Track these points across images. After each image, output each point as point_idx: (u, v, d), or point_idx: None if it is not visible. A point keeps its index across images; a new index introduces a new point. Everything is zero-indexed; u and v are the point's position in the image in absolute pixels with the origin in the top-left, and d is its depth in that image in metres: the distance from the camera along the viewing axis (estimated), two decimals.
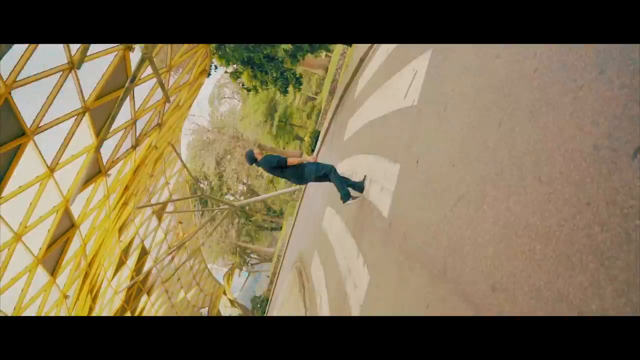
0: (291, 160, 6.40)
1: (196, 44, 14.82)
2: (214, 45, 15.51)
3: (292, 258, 18.63)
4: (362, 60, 12.40)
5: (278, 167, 6.38)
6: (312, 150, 23.18)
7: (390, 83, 6.68)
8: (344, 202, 6.42)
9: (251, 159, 6.44)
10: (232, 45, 15.21)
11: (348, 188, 6.40)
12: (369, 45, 11.36)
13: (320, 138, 21.28)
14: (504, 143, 2.46)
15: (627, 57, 1.68)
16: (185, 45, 14.50)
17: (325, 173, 6.46)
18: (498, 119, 2.62)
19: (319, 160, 6.77)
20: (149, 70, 12.27)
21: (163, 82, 13.78)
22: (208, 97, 38.91)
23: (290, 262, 19.48)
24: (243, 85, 19.23)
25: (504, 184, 2.34)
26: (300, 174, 6.50)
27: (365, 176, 6.56)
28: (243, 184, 39.41)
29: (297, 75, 17.81)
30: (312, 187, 19.30)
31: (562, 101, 2.01)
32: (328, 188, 11.73)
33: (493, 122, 2.68)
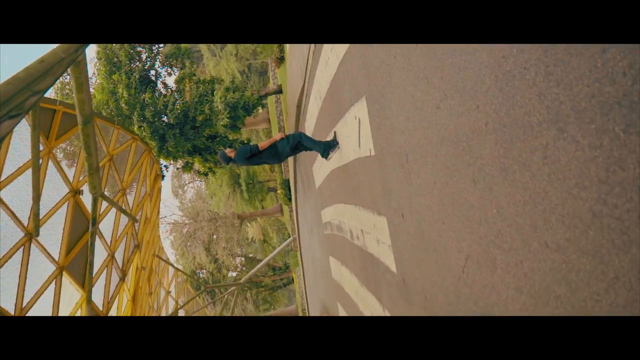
0: (262, 145, 6.62)
1: (139, 158, 14.61)
2: (155, 149, 15.34)
3: (316, 309, 18.17)
4: (298, 106, 12.40)
5: (252, 155, 6.60)
6: (289, 200, 23.00)
7: (338, 131, 6.59)
8: (325, 157, 6.92)
9: (226, 159, 6.68)
10: (172, 141, 15.07)
11: (325, 142, 6.83)
12: (300, 91, 11.36)
13: (292, 187, 21.16)
14: (488, 202, 2.32)
15: (583, 115, 1.56)
16: (129, 164, 14.27)
17: (297, 143, 6.81)
18: (470, 176, 2.49)
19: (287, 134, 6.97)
20: (105, 202, 12.00)
21: (123, 207, 13.49)
22: (170, 191, 38.49)
23: (315, 313, 19.00)
24: (199, 172, 19.06)
25: (508, 247, 2.19)
26: (275, 153, 6.74)
27: (334, 132, 6.77)
28: (238, 256, 38.75)
29: (245, 142, 17.73)
30: (306, 233, 19.02)
31: (532, 160, 1.88)
32: (321, 234, 11.51)
33: (465, 178, 2.55)
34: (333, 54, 6.23)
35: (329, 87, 6.85)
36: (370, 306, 6.20)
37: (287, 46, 16.15)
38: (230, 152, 6.66)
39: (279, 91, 19.28)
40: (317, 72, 8.08)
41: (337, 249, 9.17)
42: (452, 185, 2.76)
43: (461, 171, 2.60)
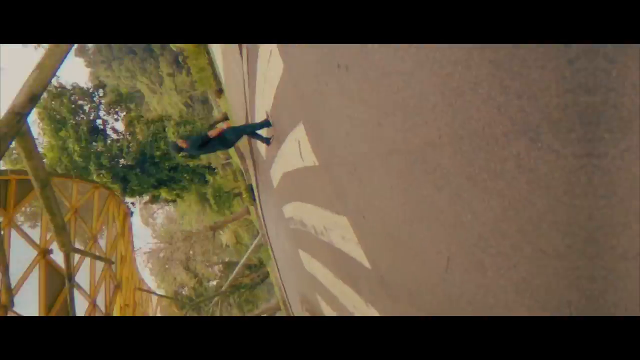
0: (211, 133, 6.41)
1: (104, 203, 13.51)
2: (119, 191, 14.25)
3: (295, 300, 17.75)
4: None
5: (203, 143, 6.40)
6: (254, 200, 22.32)
7: (283, 150, 6.27)
8: (267, 144, 7.17)
9: (178, 148, 6.43)
10: (135, 181, 14.04)
11: (263, 136, 7.11)
12: (245, 119, 10.84)
13: (255, 189, 20.56)
14: (459, 208, 2.06)
15: (559, 126, 1.31)
16: (95, 211, 13.16)
17: (244, 133, 7.06)
18: (431, 183, 2.22)
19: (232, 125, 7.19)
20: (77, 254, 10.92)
21: (97, 253, 12.44)
22: (141, 222, 36.53)
23: (296, 304, 18.56)
24: (167, 201, 18.01)
25: (496, 252, 1.93)
26: (224, 142, 6.62)
27: (266, 112, 6.72)
28: (216, 264, 37.46)
29: (207, 165, 16.92)
30: (273, 228, 18.51)
31: (504, 168, 1.63)
32: (287, 229, 11.12)
33: (427, 185, 2.28)
34: (267, 85, 5.84)
35: (270, 115, 6.48)
36: (351, 299, 5.91)
37: (224, 78, 15.46)
38: (182, 143, 6.32)
39: (226, 118, 18.49)
40: (257, 101, 7.67)
41: (305, 242, 8.81)
42: (412, 192, 2.49)
43: (420, 179, 2.33)
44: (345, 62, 2.83)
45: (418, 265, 2.93)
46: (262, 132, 7.32)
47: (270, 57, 5.20)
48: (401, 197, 2.72)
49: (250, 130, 7.09)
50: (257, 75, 6.71)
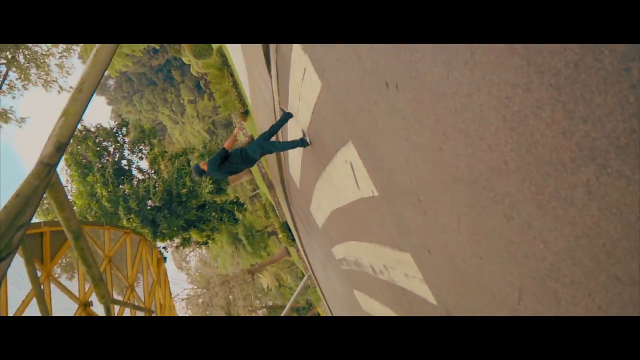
0: (227, 144, 6.47)
1: (137, 250, 14.28)
2: (150, 235, 15.04)
3: None
4: (277, 154, 12.30)
5: (222, 161, 6.38)
6: (293, 240, 22.69)
7: (329, 173, 6.46)
8: (305, 146, 6.81)
9: (200, 172, 6.49)
10: (164, 223, 14.79)
11: (294, 141, 6.86)
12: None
13: (292, 228, 20.94)
14: (531, 238, 2.19)
15: (627, 151, 1.45)
16: (129, 258, 13.93)
17: (271, 151, 6.81)
18: (500, 213, 2.36)
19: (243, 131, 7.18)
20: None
21: (135, 303, 13.12)
22: (174, 266, 37.89)
23: None
24: (198, 242, 18.74)
25: (570, 281, 2.05)
26: (246, 158, 6.56)
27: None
28: (259, 309, 37.99)
29: (234, 201, 17.55)
30: (320, 269, 18.70)
31: (574, 196, 1.76)
32: (337, 270, 11.26)
33: (496, 215, 2.42)
34: (302, 103, 6.15)
35: (307, 134, 6.74)
36: None
37: (249, 99, 16.16)
38: (203, 165, 6.51)
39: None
40: (289, 121, 8.00)
41: (361, 283, 8.94)
42: (481, 223, 2.63)
43: (488, 208, 2.47)
44: (394, 81, 3.01)
45: (487, 299, 3.03)
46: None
47: (304, 74, 5.46)
48: (469, 229, 2.85)
49: (280, 148, 7.17)
50: (290, 94, 6.99)
